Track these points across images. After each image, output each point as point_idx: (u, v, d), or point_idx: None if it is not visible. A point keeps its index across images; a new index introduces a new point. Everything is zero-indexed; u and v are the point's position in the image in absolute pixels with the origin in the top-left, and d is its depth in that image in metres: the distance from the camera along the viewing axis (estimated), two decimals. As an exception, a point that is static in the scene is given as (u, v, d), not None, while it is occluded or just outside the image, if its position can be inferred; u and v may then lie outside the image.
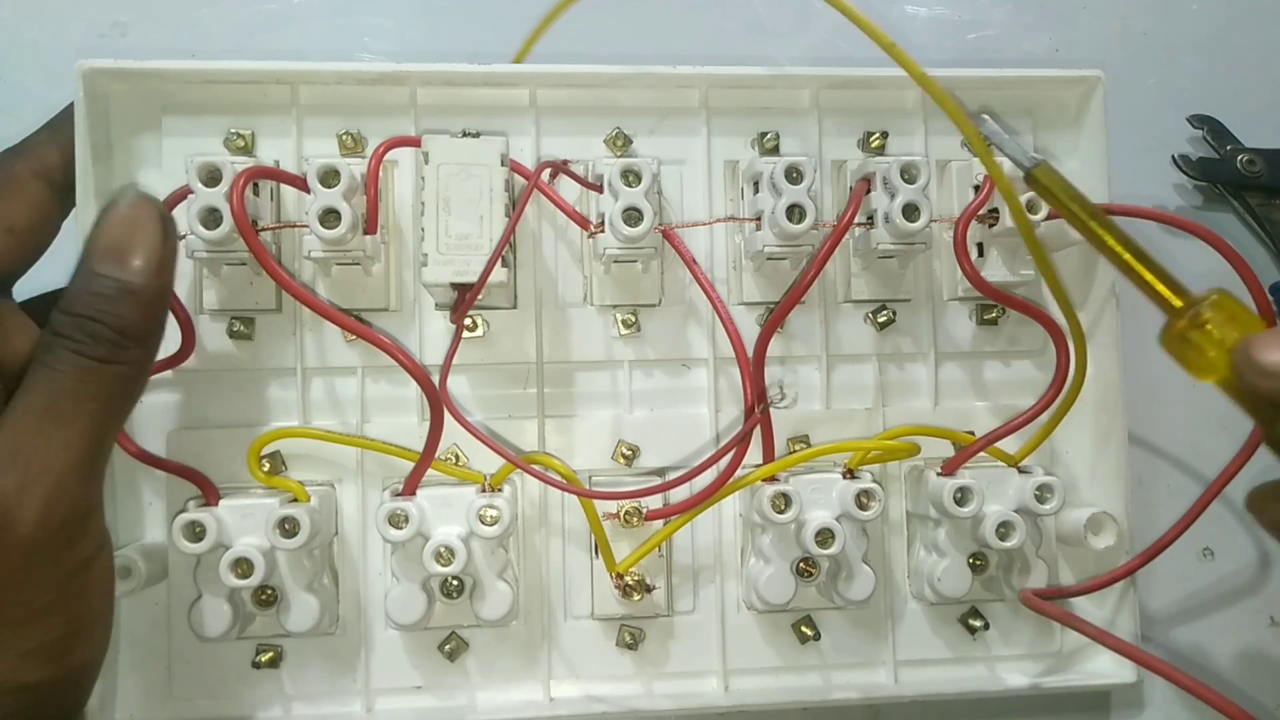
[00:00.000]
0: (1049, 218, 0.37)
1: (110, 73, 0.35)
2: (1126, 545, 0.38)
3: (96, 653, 0.30)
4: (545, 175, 0.36)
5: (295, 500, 0.35)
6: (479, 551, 0.35)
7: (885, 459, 0.38)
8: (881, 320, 0.39)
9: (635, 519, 0.36)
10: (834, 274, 0.39)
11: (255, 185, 0.34)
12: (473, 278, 0.32)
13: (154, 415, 0.36)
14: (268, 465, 0.36)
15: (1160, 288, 0.28)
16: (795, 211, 0.35)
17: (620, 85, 0.38)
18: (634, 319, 0.38)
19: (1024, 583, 0.38)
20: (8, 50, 0.40)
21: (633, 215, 0.34)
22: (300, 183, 0.34)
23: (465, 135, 0.34)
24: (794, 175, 0.35)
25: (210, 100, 0.36)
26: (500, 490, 0.36)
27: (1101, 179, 0.39)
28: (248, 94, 0.37)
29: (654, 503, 0.37)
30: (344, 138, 0.37)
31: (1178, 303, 0.27)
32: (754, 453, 0.36)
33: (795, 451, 0.38)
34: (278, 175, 0.34)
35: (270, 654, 0.36)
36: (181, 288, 0.36)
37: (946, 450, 0.38)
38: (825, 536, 0.35)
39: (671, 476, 0.37)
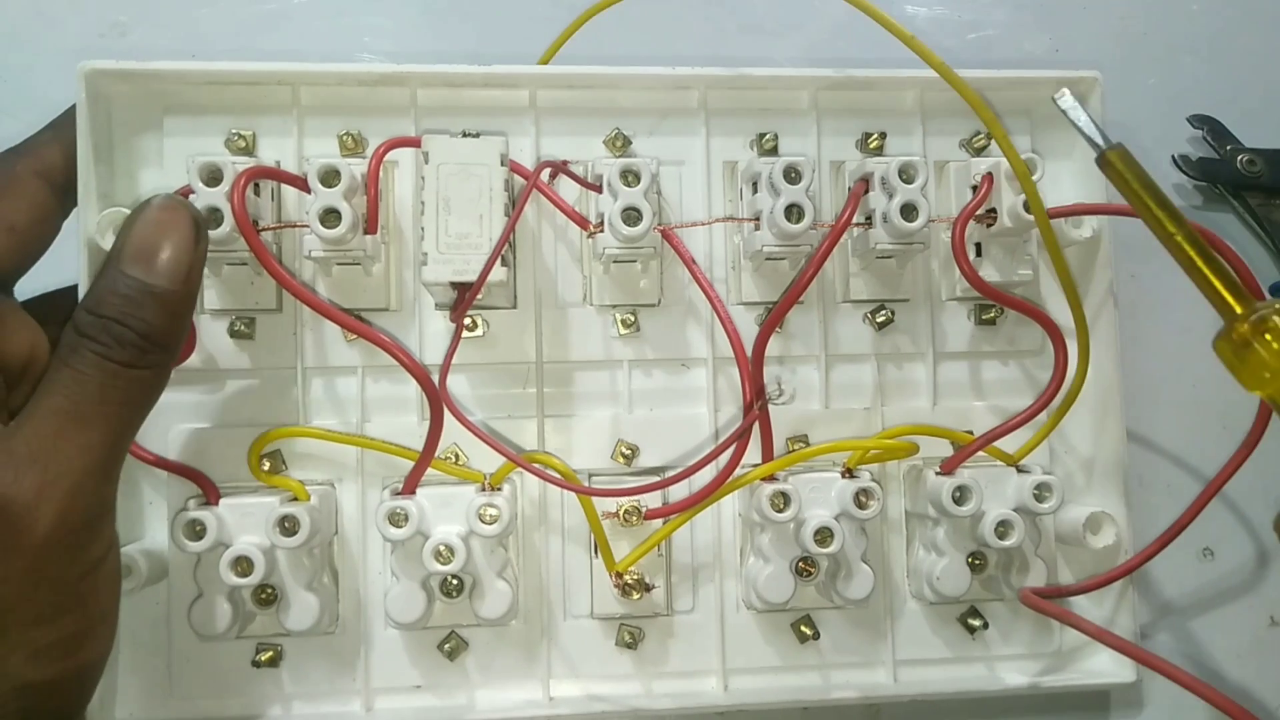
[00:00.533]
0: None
1: (111, 73, 0.35)
2: (1125, 544, 0.39)
3: (102, 651, 0.30)
4: (545, 175, 0.36)
5: (295, 499, 0.35)
6: (478, 550, 0.35)
7: (884, 458, 0.38)
8: (880, 320, 0.39)
9: (634, 518, 0.36)
10: (832, 274, 0.39)
11: (256, 185, 0.34)
12: (472, 277, 0.32)
13: (155, 414, 0.35)
14: (268, 464, 0.36)
15: (1222, 290, 0.27)
16: (794, 211, 0.35)
17: (619, 86, 0.38)
18: (633, 319, 0.38)
19: (1023, 582, 0.38)
20: (8, 50, 0.40)
21: (632, 215, 0.34)
22: (301, 183, 0.34)
23: (465, 135, 0.34)
24: (792, 175, 0.35)
25: (211, 101, 0.36)
26: (500, 489, 0.36)
27: (1100, 179, 0.39)
28: (249, 94, 0.37)
29: (653, 501, 0.37)
30: (344, 138, 0.37)
31: (1239, 308, 0.27)
32: (753, 452, 0.36)
33: (794, 451, 0.38)
34: (278, 175, 0.35)
35: (270, 653, 0.36)
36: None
37: (945, 450, 0.38)
38: (824, 536, 0.35)
39: (670, 475, 0.37)
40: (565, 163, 0.36)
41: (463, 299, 0.33)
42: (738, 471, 0.36)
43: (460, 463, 0.37)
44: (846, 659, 0.38)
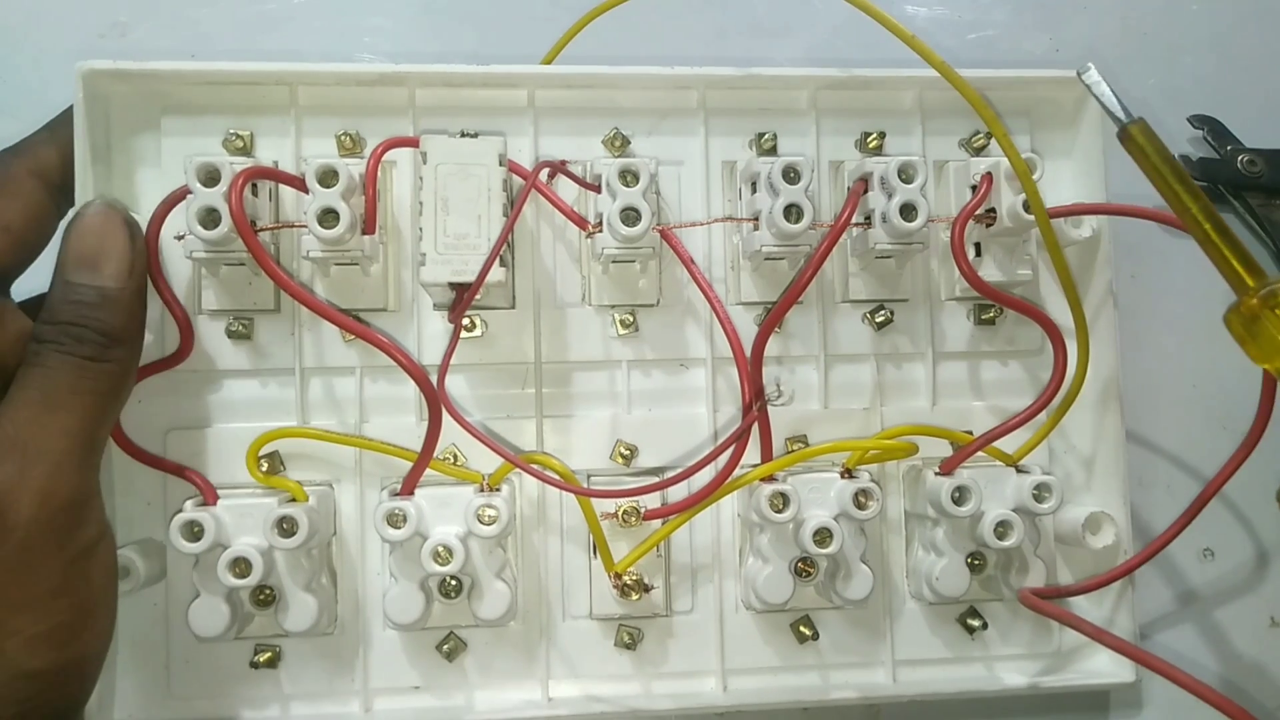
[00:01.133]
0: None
1: (110, 73, 0.35)
2: (1125, 544, 0.38)
3: (100, 643, 0.31)
4: (543, 175, 0.36)
5: (293, 500, 0.35)
6: (477, 551, 0.35)
7: (883, 458, 0.38)
8: (879, 320, 0.39)
9: (633, 519, 0.36)
10: (831, 274, 0.39)
11: (254, 185, 0.34)
12: (470, 277, 0.32)
13: (152, 415, 0.36)
14: (266, 465, 0.36)
15: (1236, 264, 0.27)
16: (793, 211, 0.35)
17: (618, 86, 0.38)
18: (632, 319, 0.38)
19: (1022, 582, 0.38)
20: (8, 50, 0.40)
21: (630, 215, 0.34)
22: (299, 183, 0.34)
23: (463, 135, 0.34)
24: (791, 175, 0.35)
25: (209, 101, 0.36)
26: (498, 490, 0.36)
27: (1099, 179, 0.39)
28: (247, 95, 0.37)
29: (652, 502, 0.37)
30: (343, 138, 0.37)
31: (1251, 282, 0.27)
32: (752, 452, 0.36)
33: (793, 451, 0.38)
34: (276, 175, 0.34)
35: (268, 654, 0.36)
36: (180, 288, 0.36)
37: (944, 450, 0.38)
38: (823, 536, 0.35)
39: (669, 476, 0.37)
40: (564, 163, 0.36)
41: (461, 299, 0.33)
42: (737, 472, 0.36)
43: (459, 463, 0.37)
44: (846, 659, 0.38)
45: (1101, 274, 0.39)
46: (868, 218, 0.36)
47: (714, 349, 0.38)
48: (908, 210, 0.35)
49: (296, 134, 0.37)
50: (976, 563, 0.38)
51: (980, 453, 0.37)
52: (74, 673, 0.30)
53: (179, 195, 0.33)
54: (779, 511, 0.35)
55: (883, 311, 0.39)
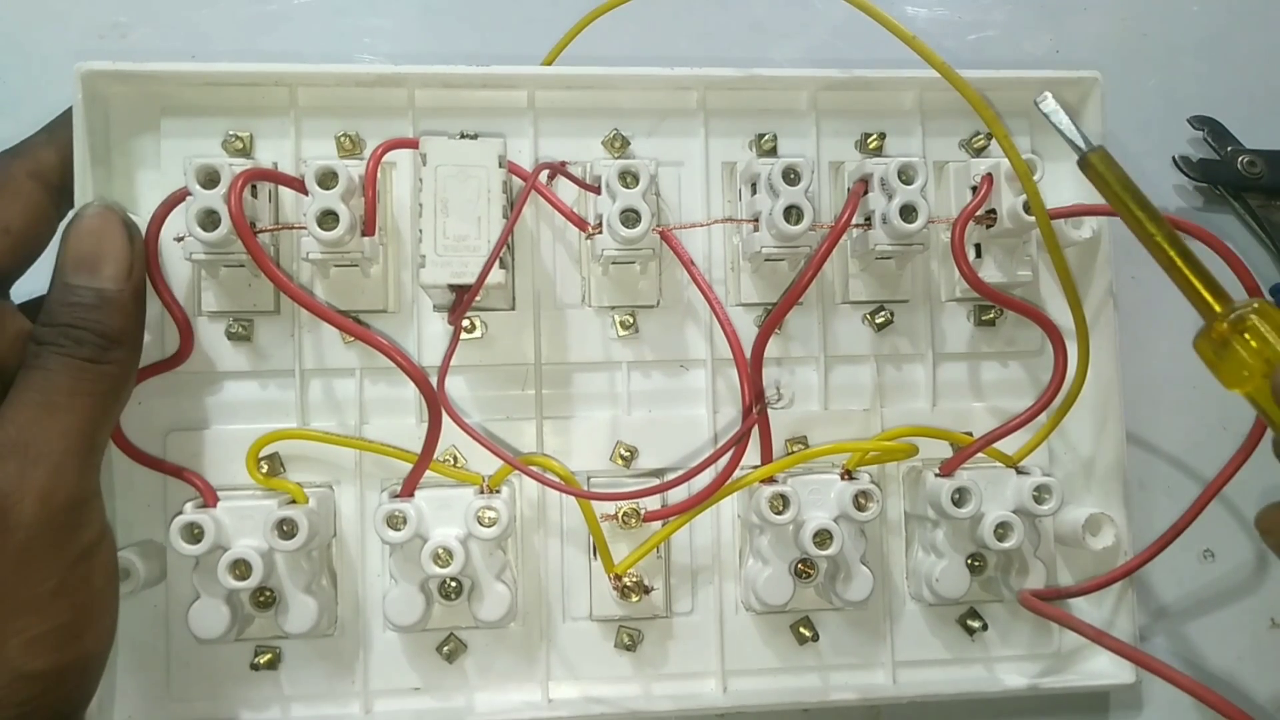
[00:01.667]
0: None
1: (109, 74, 0.35)
2: (1125, 546, 0.38)
3: (101, 644, 0.31)
4: (543, 176, 0.36)
5: (293, 502, 0.35)
6: (477, 553, 0.35)
7: (883, 460, 0.38)
8: (879, 321, 0.39)
9: (633, 520, 0.36)
10: (832, 275, 0.39)
11: (253, 187, 0.34)
12: (470, 279, 0.32)
13: (152, 417, 0.36)
14: (266, 467, 0.36)
15: (1202, 290, 0.27)
16: (793, 212, 0.35)
17: (618, 87, 0.38)
18: (632, 320, 0.38)
19: (1022, 583, 0.38)
20: (7, 51, 0.40)
21: (630, 216, 0.34)
22: (298, 184, 0.34)
23: (463, 137, 0.34)
24: (791, 176, 0.35)
25: (208, 102, 0.36)
26: (498, 492, 0.36)
27: (1100, 180, 0.39)
28: (246, 96, 0.37)
29: (652, 504, 0.37)
30: (342, 139, 0.37)
31: (1218, 307, 0.27)
32: (752, 454, 0.36)
33: (793, 452, 0.38)
34: (276, 177, 0.34)
35: (268, 655, 0.36)
36: (180, 289, 0.36)
37: (944, 451, 0.38)
38: (823, 537, 0.35)
39: (670, 477, 0.37)
40: (563, 164, 0.36)
41: (461, 301, 0.33)
42: (737, 473, 0.36)
43: (459, 465, 0.37)
44: (846, 660, 0.38)
45: (1102, 275, 0.39)
46: (868, 219, 0.36)
47: (714, 350, 0.38)
48: (908, 211, 0.35)
49: (296, 135, 0.37)
50: (976, 564, 0.38)
51: (980, 454, 0.37)
52: (75, 674, 0.30)
53: (178, 197, 0.33)
54: (779, 513, 0.35)
55: (883, 312, 0.39)
